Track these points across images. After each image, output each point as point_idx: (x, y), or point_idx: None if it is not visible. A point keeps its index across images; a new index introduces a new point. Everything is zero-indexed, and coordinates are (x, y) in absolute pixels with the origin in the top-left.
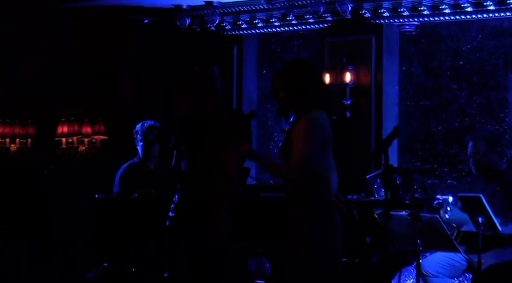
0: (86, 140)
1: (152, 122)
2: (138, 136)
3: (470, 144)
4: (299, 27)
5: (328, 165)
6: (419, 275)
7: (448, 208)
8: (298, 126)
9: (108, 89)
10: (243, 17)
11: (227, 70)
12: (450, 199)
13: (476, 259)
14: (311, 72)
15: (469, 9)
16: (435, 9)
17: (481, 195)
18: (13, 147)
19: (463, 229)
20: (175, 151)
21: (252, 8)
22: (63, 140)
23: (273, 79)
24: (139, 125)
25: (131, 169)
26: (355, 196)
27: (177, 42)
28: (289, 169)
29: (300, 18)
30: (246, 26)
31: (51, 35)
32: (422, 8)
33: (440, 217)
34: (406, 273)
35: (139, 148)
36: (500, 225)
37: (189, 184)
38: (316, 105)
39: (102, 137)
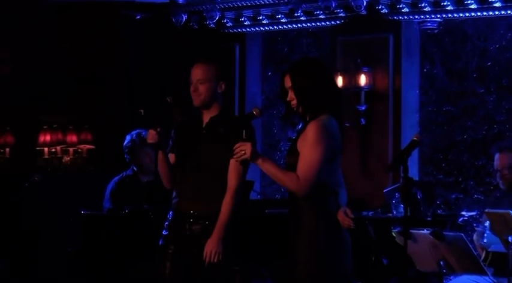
0: (71, 149)
1: (142, 132)
2: (127, 150)
3: (497, 156)
4: (308, 25)
5: (337, 179)
6: None
7: (485, 234)
8: (306, 132)
9: (96, 92)
10: (246, 12)
11: (228, 71)
12: (487, 223)
13: None
14: (322, 72)
15: (497, 4)
16: (460, 5)
17: (511, 212)
18: None
19: (491, 249)
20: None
21: (256, 3)
22: (46, 149)
23: (282, 78)
24: (129, 137)
25: (124, 183)
26: (370, 213)
27: (172, 41)
28: (297, 180)
29: (309, 14)
30: (249, 23)
31: (33, 32)
32: (445, 3)
33: (473, 240)
34: None
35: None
36: None
37: (185, 198)
38: (326, 110)
39: (89, 146)
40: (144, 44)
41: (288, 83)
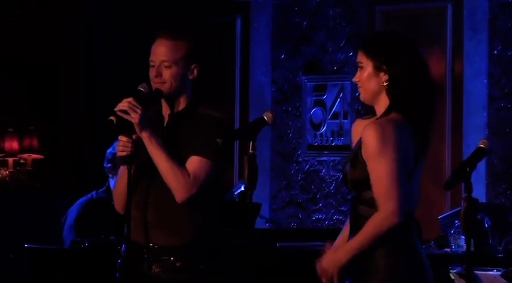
0: (10, 160)
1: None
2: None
3: None
4: None
5: (414, 201)
6: None
7: None
8: (363, 140)
9: (44, 83)
10: None
11: (226, 53)
12: None
13: None
14: (414, 57)
15: None
16: None
17: None
18: None
19: None
20: None
21: None
22: None
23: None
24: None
25: (94, 206)
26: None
27: (146, 10)
28: (381, 213)
29: None
30: None
31: None
32: None
33: None
34: None
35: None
36: None
37: (140, 226)
38: (406, 108)
39: (35, 156)
40: (107, 16)
41: (359, 57)
